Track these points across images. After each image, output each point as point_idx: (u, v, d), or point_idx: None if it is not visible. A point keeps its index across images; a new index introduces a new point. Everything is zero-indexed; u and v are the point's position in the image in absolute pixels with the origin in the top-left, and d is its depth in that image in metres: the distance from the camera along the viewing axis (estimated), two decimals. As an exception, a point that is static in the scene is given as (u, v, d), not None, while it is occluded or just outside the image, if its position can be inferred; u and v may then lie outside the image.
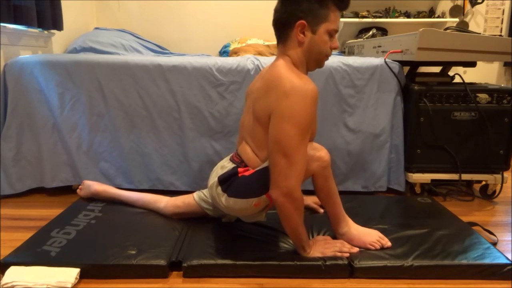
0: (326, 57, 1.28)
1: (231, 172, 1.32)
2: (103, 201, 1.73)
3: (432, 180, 1.92)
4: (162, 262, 1.23)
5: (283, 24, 1.25)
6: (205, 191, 1.55)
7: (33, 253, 1.27)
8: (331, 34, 1.24)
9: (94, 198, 1.75)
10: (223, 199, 1.32)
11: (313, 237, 1.42)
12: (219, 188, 1.33)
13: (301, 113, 1.14)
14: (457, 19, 3.01)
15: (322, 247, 1.31)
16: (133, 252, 1.28)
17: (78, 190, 1.81)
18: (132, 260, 1.24)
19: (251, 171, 1.31)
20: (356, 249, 1.32)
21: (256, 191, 1.27)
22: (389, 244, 1.34)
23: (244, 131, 1.36)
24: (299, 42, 1.23)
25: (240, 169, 1.32)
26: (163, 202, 1.60)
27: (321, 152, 1.27)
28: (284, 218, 1.22)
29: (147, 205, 1.64)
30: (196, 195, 1.55)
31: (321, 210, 1.67)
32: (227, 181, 1.32)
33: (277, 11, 1.27)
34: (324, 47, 1.24)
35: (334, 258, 1.26)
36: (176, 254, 1.29)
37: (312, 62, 1.28)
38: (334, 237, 1.40)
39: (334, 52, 3.00)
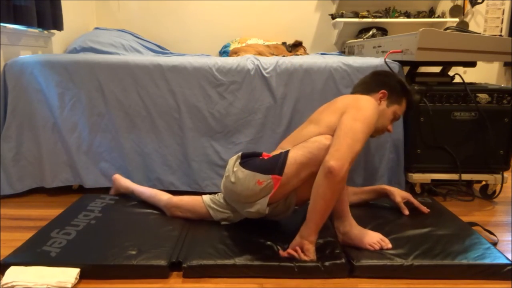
0: (383, 132, 1.56)
1: (256, 153, 1.46)
2: (102, 201, 1.72)
3: (432, 180, 1.92)
4: (162, 262, 1.23)
5: (370, 87, 1.54)
6: (216, 195, 1.57)
7: (33, 254, 1.27)
8: (395, 117, 1.55)
9: (120, 191, 1.81)
10: (235, 169, 1.39)
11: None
12: (239, 161, 1.42)
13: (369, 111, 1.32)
14: (457, 19, 3.01)
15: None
16: (134, 252, 1.28)
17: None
18: (132, 260, 1.24)
19: (270, 156, 1.42)
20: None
21: (264, 169, 1.34)
22: (389, 246, 1.33)
23: (285, 143, 1.49)
24: None
25: (264, 154, 1.44)
26: (168, 195, 1.63)
27: None
28: (322, 190, 1.22)
29: (153, 197, 1.67)
30: (205, 195, 1.57)
31: (406, 212, 1.63)
32: (249, 157, 1.43)
33: (367, 78, 1.59)
34: (387, 122, 1.53)
35: (333, 257, 1.26)
36: (176, 254, 1.29)
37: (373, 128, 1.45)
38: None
39: (334, 52, 3.00)
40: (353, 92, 1.61)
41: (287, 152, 1.35)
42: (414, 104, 1.59)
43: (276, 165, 1.33)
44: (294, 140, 1.44)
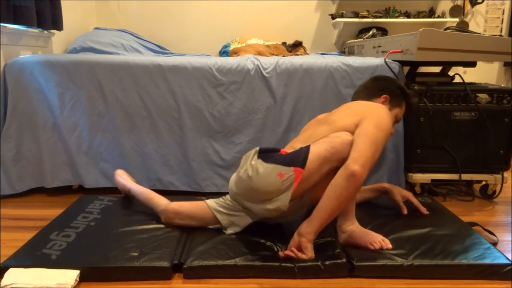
0: None
1: (274, 148, 1.41)
2: (101, 203, 1.71)
3: (432, 180, 1.92)
4: (165, 263, 1.23)
5: (371, 92, 1.59)
6: (221, 198, 1.52)
7: (33, 257, 1.26)
8: (396, 120, 1.61)
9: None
10: (253, 163, 1.34)
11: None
12: (256, 155, 1.36)
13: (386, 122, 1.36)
14: (457, 19, 3.01)
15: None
16: (135, 254, 1.28)
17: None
18: (135, 262, 1.23)
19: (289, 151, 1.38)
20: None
21: (286, 162, 1.30)
22: (389, 246, 1.33)
23: (296, 142, 1.48)
24: None
25: (282, 150, 1.41)
26: (166, 200, 1.56)
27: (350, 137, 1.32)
28: (339, 191, 1.23)
29: (151, 200, 1.59)
30: (208, 200, 1.50)
31: (405, 211, 1.62)
32: (266, 152, 1.37)
33: (368, 83, 1.64)
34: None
35: (334, 257, 1.26)
36: (178, 255, 1.28)
37: None
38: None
39: (334, 52, 3.00)
40: (354, 97, 1.64)
41: (308, 146, 1.32)
42: (413, 106, 1.65)
43: (299, 158, 1.30)
44: (307, 140, 1.41)
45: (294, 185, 1.28)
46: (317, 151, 1.30)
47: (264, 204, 1.34)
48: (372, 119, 1.33)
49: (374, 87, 1.60)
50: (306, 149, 1.32)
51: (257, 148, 1.40)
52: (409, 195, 1.67)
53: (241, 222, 1.43)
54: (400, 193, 1.66)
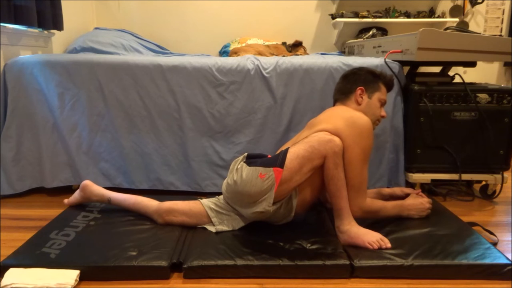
0: (378, 121, 1.59)
1: (261, 154, 1.51)
2: (101, 203, 1.71)
3: (432, 180, 1.92)
4: (163, 263, 1.23)
5: (346, 90, 1.58)
6: (215, 197, 1.54)
7: (32, 256, 1.27)
8: (381, 103, 1.58)
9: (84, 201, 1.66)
10: (239, 166, 1.42)
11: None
12: (244, 161, 1.44)
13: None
14: (457, 19, 3.01)
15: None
16: (134, 253, 1.28)
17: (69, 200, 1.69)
18: (133, 261, 1.23)
19: None
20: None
21: (266, 164, 1.37)
22: (388, 245, 1.33)
23: (285, 146, 1.54)
24: (358, 102, 1.55)
25: (269, 155, 1.48)
26: (156, 201, 1.55)
27: (334, 137, 1.35)
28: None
29: (138, 204, 1.56)
30: (204, 199, 1.53)
31: (419, 190, 1.68)
32: (254, 158, 1.46)
33: (339, 83, 1.62)
34: (377, 111, 1.57)
35: (334, 257, 1.26)
36: (177, 255, 1.29)
37: None
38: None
39: (334, 52, 3.00)
40: (334, 101, 1.64)
41: (287, 148, 1.39)
42: (391, 83, 1.61)
43: (277, 159, 1.37)
44: (293, 143, 1.47)
45: (276, 184, 1.33)
46: (295, 151, 1.36)
47: (251, 208, 1.39)
48: (354, 146, 1.38)
49: (346, 85, 1.59)
50: (285, 151, 1.39)
51: (245, 154, 1.49)
52: (407, 190, 1.72)
53: (232, 223, 1.47)
54: (400, 189, 1.73)
